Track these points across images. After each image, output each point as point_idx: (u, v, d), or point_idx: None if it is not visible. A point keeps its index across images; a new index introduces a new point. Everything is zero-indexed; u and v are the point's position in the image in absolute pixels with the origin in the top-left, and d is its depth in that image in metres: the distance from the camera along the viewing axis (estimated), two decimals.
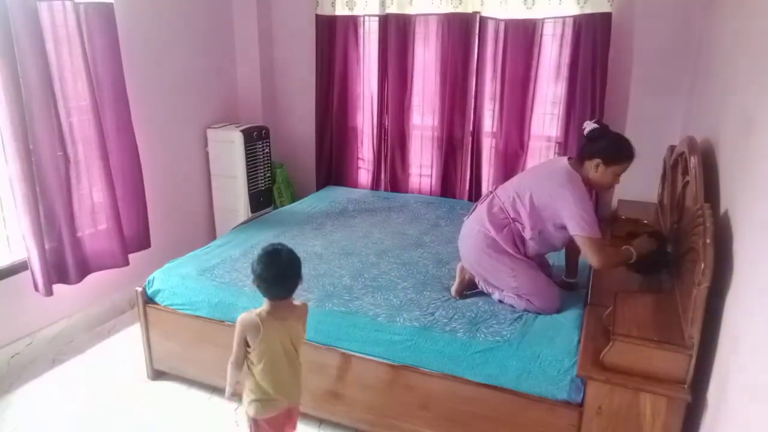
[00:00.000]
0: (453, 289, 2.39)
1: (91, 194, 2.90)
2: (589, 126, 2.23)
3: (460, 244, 2.41)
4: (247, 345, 1.77)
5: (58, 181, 2.71)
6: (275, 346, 1.76)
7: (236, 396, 1.86)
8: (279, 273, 1.72)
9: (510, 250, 2.25)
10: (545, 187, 2.18)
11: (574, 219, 2.09)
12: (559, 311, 2.22)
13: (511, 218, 2.26)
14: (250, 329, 1.74)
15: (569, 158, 2.26)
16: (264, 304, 1.78)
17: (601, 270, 2.22)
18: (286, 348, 1.79)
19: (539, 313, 2.21)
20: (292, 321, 1.80)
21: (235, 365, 1.81)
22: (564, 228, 2.16)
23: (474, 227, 2.33)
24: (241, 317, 1.76)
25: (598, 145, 2.17)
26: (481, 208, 2.35)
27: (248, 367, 1.79)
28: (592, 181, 2.20)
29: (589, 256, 2.11)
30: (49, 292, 2.71)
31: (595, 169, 2.17)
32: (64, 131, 2.71)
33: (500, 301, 2.31)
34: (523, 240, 2.27)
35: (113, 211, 2.95)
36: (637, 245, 2.18)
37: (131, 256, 3.07)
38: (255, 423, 1.83)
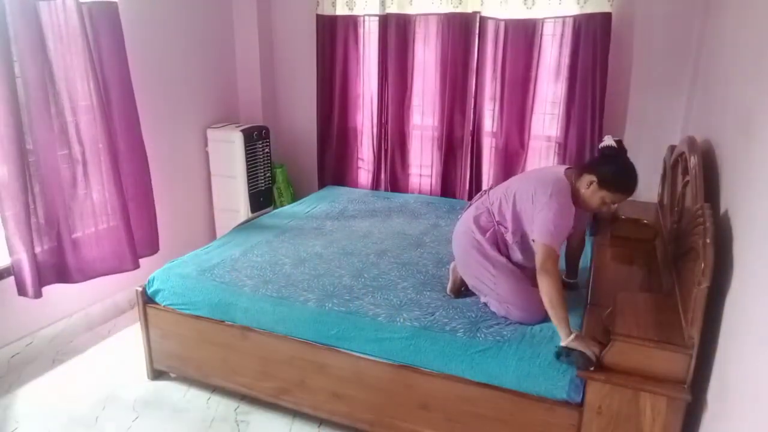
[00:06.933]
0: (448, 287, 2.41)
1: (99, 195, 2.87)
2: (607, 141, 2.13)
3: (452, 241, 2.44)
4: None
5: (60, 181, 2.70)
6: None
7: None
8: None
9: (493, 254, 2.23)
10: (529, 191, 2.13)
11: (541, 224, 2.04)
12: (540, 323, 2.15)
13: (496, 221, 2.26)
14: None
15: (568, 168, 2.20)
16: None
17: (542, 277, 1.97)
18: None
19: (520, 323, 2.15)
20: None
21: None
22: None
23: (462, 227, 2.36)
24: None
25: (603, 166, 2.09)
26: (471, 208, 2.38)
27: None
28: (582, 197, 2.13)
29: (537, 259, 2.01)
30: (38, 294, 2.66)
31: (587, 185, 2.10)
32: (70, 131, 2.70)
33: (485, 304, 2.30)
34: (506, 244, 2.26)
35: (122, 213, 2.93)
36: (581, 339, 1.87)
37: None
38: None
